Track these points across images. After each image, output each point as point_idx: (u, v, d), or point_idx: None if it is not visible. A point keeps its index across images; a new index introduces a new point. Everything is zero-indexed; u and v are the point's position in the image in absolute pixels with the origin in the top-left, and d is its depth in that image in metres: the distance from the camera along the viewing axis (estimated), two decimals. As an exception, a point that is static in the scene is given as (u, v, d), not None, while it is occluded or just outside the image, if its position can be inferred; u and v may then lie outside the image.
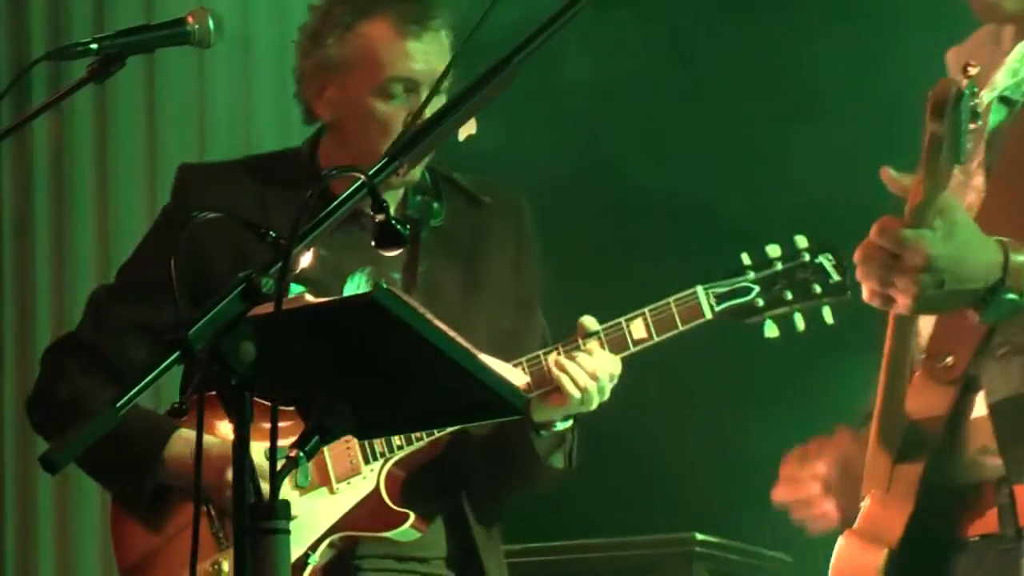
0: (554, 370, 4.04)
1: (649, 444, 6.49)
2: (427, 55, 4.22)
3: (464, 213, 4.40)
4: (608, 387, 4.12)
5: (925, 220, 3.01)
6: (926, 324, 3.35)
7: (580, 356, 4.05)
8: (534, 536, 5.70)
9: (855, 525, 3.37)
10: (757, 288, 4.15)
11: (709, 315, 4.07)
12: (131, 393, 2.92)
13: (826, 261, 4.19)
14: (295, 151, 4.48)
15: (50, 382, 4.35)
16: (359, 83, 4.25)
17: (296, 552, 3.76)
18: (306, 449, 3.08)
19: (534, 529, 5.51)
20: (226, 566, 4.09)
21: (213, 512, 4.10)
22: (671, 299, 4.12)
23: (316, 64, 4.33)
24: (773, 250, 4.20)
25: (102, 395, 4.07)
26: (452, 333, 3.21)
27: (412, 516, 4.19)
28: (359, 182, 3.09)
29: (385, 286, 3.21)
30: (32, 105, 4.96)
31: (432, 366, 3.19)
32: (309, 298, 3.18)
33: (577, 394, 4.05)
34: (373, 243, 3.35)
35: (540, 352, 4.10)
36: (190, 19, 4.12)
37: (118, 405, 2.91)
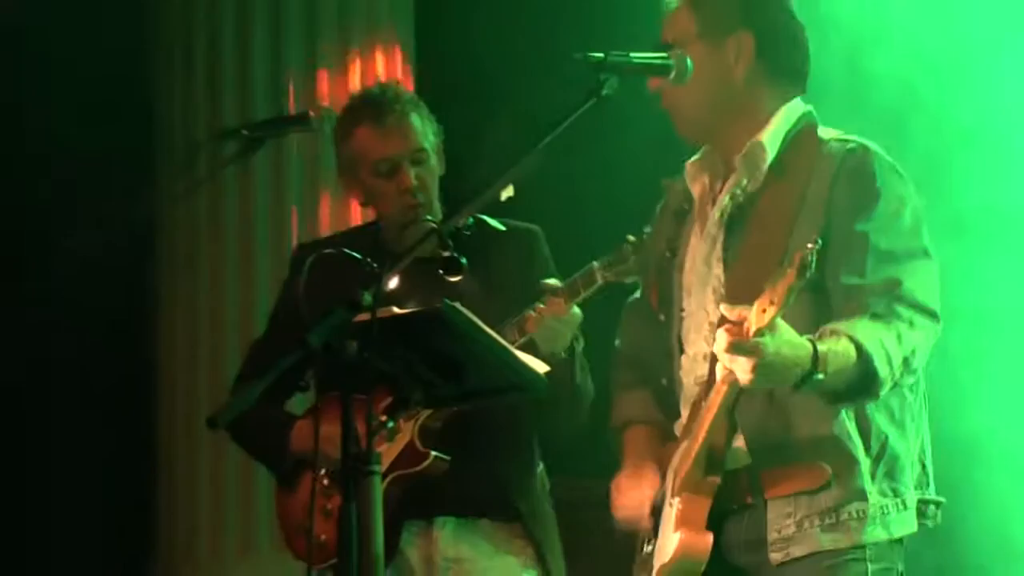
0: (530, 327, 4.35)
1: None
2: (397, 138, 4.68)
3: (486, 241, 4.71)
4: (567, 332, 4.40)
5: (766, 332, 3.34)
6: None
7: (542, 310, 4.33)
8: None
9: (676, 520, 3.68)
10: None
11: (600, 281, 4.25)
12: (269, 376, 3.48)
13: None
14: (366, 225, 5.03)
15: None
16: (363, 171, 4.73)
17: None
18: (392, 417, 3.70)
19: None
20: (331, 506, 4.49)
21: (327, 476, 4.54)
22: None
23: (339, 167, 4.87)
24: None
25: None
26: (495, 334, 3.79)
27: (432, 455, 4.55)
28: (430, 230, 3.78)
29: (449, 302, 3.70)
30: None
31: (480, 359, 3.75)
32: (395, 310, 3.70)
33: (545, 342, 4.38)
34: (440, 271, 4.05)
35: (524, 313, 4.40)
36: (312, 113, 4.60)
37: (258, 385, 3.47)
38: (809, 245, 3.33)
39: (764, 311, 3.35)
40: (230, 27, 7.53)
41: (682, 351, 3.88)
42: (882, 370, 3.46)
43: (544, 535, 4.72)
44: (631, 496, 3.92)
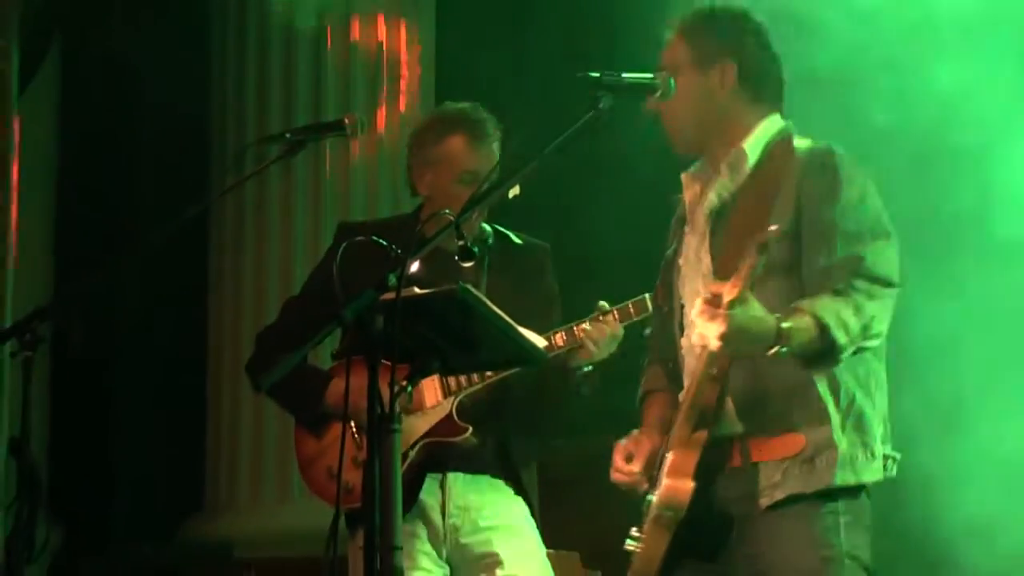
0: (580, 334, 4.80)
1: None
2: (485, 158, 5.03)
3: (507, 250, 5.16)
4: (613, 345, 4.81)
5: (736, 305, 3.62)
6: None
7: (596, 324, 4.78)
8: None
9: (667, 470, 3.95)
10: None
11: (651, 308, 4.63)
12: (308, 345, 3.81)
13: None
14: (409, 214, 5.32)
15: (257, 352, 5.23)
16: (446, 173, 5.07)
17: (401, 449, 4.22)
18: (412, 383, 3.86)
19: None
20: (361, 457, 4.65)
21: (355, 428, 4.87)
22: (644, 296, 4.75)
23: (420, 161, 5.15)
24: None
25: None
26: (502, 314, 3.96)
27: (470, 429, 4.94)
28: (450, 223, 3.95)
29: (464, 284, 3.91)
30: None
31: (490, 334, 3.94)
32: (416, 291, 3.86)
33: (593, 348, 4.80)
34: (456, 258, 4.28)
35: (573, 323, 4.81)
36: (347, 120, 4.79)
37: (298, 352, 3.77)
38: (772, 228, 3.63)
39: (734, 286, 3.62)
40: (276, 54, 8.03)
41: (683, 334, 4.11)
42: (840, 339, 3.72)
43: (532, 490, 5.08)
44: (624, 460, 4.14)
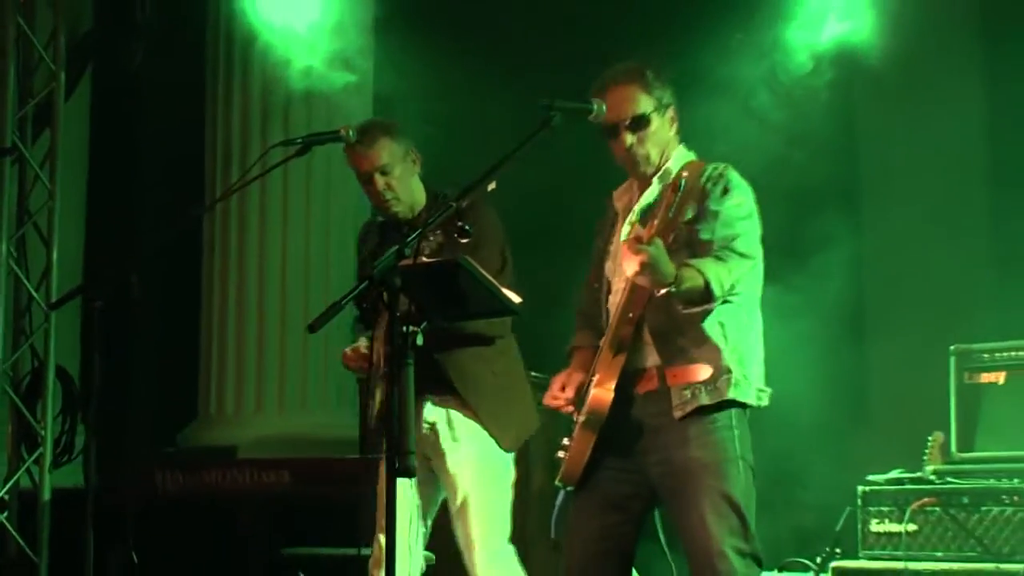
0: None
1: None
2: (361, 159, 5.23)
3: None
4: None
5: (652, 242, 4.07)
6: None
7: None
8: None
9: (593, 385, 4.36)
10: None
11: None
12: (348, 294, 4.19)
13: None
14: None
15: None
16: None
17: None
18: (421, 329, 4.19)
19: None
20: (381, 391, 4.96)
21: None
22: None
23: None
24: None
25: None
26: (489, 276, 4.40)
27: None
28: (452, 207, 4.29)
29: (464, 256, 4.35)
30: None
31: (481, 292, 4.42)
32: (424, 259, 4.35)
33: None
34: (456, 235, 4.47)
35: None
36: (342, 131, 5.13)
37: (340, 299, 4.13)
38: (687, 205, 4.22)
39: (650, 230, 4.15)
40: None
41: (608, 300, 4.54)
42: (716, 289, 4.24)
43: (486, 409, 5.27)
44: (560, 388, 4.60)
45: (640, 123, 4.49)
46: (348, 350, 5.13)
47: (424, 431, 5.19)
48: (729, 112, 6.46)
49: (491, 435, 5.21)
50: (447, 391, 5.19)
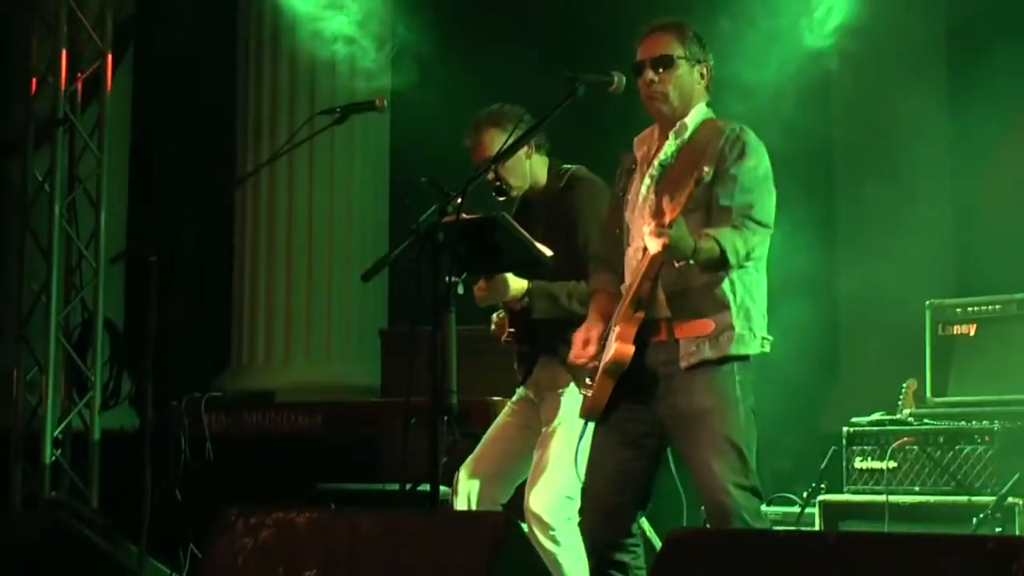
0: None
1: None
2: (473, 151, 5.18)
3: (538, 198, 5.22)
4: None
5: (674, 225, 4.02)
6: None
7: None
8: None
9: (615, 337, 4.33)
10: None
11: None
12: (398, 249, 4.32)
13: None
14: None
15: None
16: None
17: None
18: (461, 279, 4.40)
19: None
20: None
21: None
22: None
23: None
24: None
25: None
26: (522, 230, 4.57)
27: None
28: (488, 166, 4.56)
29: (501, 212, 4.52)
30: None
31: (516, 245, 4.60)
32: (465, 216, 4.39)
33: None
34: (493, 193, 4.71)
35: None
36: (377, 102, 5.18)
37: (390, 253, 4.29)
38: (706, 168, 4.08)
39: (672, 211, 4.02)
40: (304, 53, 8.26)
41: (628, 247, 4.49)
42: (732, 257, 4.17)
43: None
44: (583, 345, 4.54)
45: (664, 62, 4.43)
46: (494, 327, 5.16)
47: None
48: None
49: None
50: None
